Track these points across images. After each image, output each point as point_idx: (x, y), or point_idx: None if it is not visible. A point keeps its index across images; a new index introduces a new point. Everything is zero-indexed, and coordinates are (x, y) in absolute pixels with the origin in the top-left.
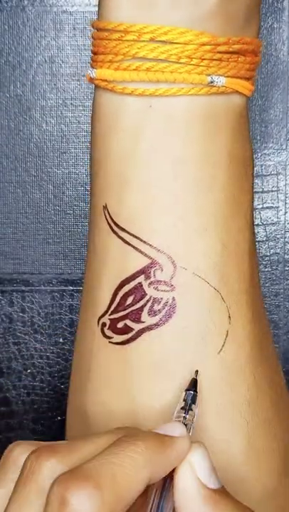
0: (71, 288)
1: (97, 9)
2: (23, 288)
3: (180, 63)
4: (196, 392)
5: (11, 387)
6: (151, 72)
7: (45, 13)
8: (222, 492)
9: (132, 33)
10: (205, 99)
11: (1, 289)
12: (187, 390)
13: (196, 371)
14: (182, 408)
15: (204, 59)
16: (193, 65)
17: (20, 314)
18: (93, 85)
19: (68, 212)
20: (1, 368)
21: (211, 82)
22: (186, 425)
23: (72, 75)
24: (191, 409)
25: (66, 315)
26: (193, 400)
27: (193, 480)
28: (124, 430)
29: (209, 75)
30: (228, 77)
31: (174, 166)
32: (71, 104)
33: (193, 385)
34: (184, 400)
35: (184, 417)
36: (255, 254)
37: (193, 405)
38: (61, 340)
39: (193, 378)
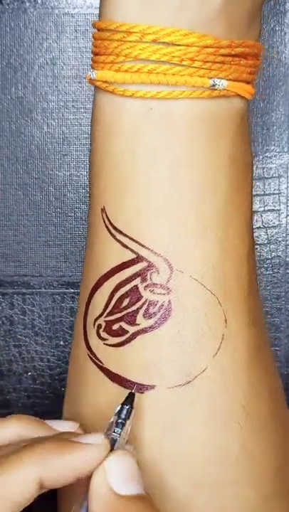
0: (72, 290)
1: (98, 11)
2: (24, 290)
3: (182, 65)
4: (132, 407)
5: (11, 389)
6: (153, 74)
7: (46, 15)
8: (136, 498)
9: (134, 34)
10: (206, 102)
11: (1, 291)
12: (123, 404)
13: (135, 385)
14: (116, 421)
15: (206, 61)
16: (196, 67)
17: (21, 317)
18: (94, 87)
19: (69, 214)
20: (1, 370)
21: (213, 86)
22: (116, 439)
23: (74, 77)
24: (124, 425)
25: (67, 317)
26: (128, 415)
27: (103, 485)
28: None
29: (211, 77)
30: (229, 80)
31: (173, 169)
32: (72, 106)
33: (129, 399)
34: (117, 414)
35: (113, 430)
36: (254, 259)
37: (127, 420)
38: (62, 342)
39: (130, 392)
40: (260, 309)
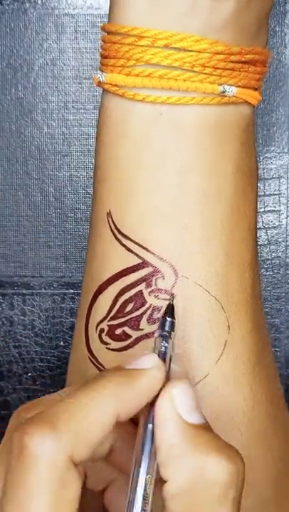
0: (72, 291)
1: (98, 12)
2: (24, 291)
3: (193, 71)
4: (174, 318)
5: (11, 390)
6: (164, 79)
7: (46, 15)
8: (203, 428)
9: (146, 39)
10: (215, 109)
11: (1, 292)
12: (163, 316)
13: (172, 295)
14: (160, 336)
15: (217, 68)
16: (206, 73)
17: (21, 317)
18: (95, 88)
19: (70, 215)
20: (1, 371)
21: (223, 92)
22: (165, 353)
23: (74, 77)
24: (170, 337)
25: (67, 318)
26: (172, 327)
27: (172, 414)
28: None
29: (221, 84)
30: (238, 86)
31: (181, 175)
32: (73, 106)
33: (170, 311)
34: (161, 328)
35: (161, 345)
36: (257, 263)
37: (172, 332)
38: (62, 343)
39: (170, 303)
40: (262, 312)
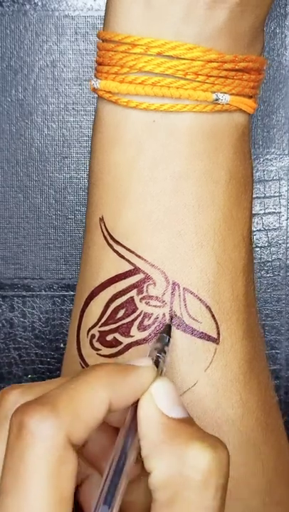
0: (72, 293)
1: (98, 14)
2: (24, 293)
3: (186, 79)
4: (170, 336)
5: None
6: (157, 87)
7: (47, 17)
8: (185, 421)
9: (139, 46)
10: (208, 116)
11: (1, 294)
12: (161, 333)
13: (171, 317)
14: (155, 349)
15: (210, 76)
16: (199, 81)
17: (21, 319)
18: (97, 96)
19: (70, 217)
20: (1, 373)
21: (216, 100)
22: (157, 366)
23: (74, 79)
24: (164, 352)
25: (67, 320)
26: (166, 343)
27: (152, 409)
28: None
29: (214, 92)
30: (232, 94)
31: (174, 181)
32: (73, 108)
33: (167, 330)
34: (158, 342)
35: (156, 356)
36: (252, 271)
37: (165, 347)
38: (62, 345)
39: (168, 324)
40: (256, 319)
